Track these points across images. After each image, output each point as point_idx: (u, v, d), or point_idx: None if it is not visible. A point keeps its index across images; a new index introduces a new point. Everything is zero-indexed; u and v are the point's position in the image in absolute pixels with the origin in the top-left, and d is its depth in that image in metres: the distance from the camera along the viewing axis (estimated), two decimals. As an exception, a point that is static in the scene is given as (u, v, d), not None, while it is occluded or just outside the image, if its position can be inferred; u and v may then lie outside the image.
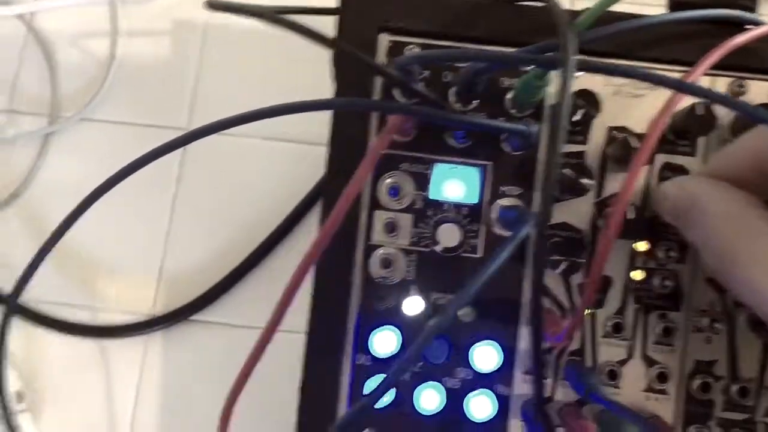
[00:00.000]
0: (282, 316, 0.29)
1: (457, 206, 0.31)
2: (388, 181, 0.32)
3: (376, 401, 0.25)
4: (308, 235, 0.44)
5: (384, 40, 0.32)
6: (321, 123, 0.44)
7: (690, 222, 0.27)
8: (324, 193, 0.31)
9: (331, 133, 0.32)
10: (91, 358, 0.43)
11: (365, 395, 0.26)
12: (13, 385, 0.41)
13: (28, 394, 0.42)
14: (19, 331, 0.43)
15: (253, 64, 0.46)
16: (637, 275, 0.31)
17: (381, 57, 0.32)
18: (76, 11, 0.47)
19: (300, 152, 0.45)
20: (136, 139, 0.46)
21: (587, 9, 0.27)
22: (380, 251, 0.32)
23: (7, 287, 0.42)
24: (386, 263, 0.31)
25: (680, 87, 0.26)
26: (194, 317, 0.43)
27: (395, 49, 0.32)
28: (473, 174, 0.31)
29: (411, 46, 0.31)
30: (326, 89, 0.42)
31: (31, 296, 0.43)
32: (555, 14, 0.25)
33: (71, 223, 0.34)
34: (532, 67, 0.28)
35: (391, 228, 0.31)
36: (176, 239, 0.44)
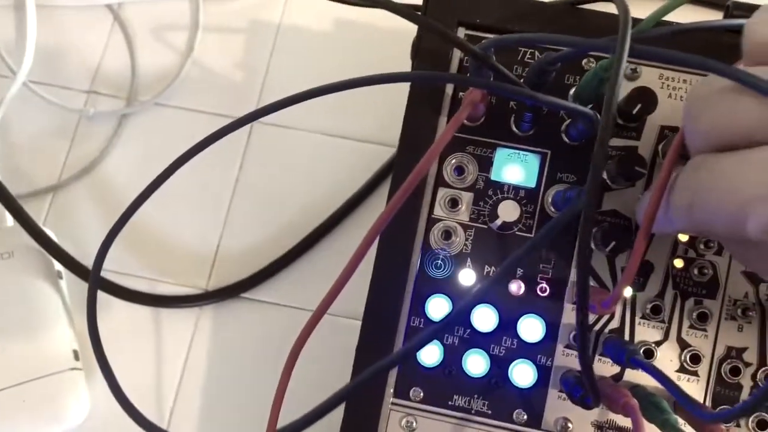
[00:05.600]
0: (348, 279, 0.30)
1: (516, 188, 0.34)
2: (454, 161, 0.34)
3: (418, 349, 0.27)
4: (357, 229, 0.47)
5: (461, 33, 0.35)
6: (380, 125, 0.47)
7: None
8: (396, 166, 0.34)
9: (406, 113, 0.35)
10: (144, 325, 0.46)
11: (407, 342, 0.27)
12: (71, 344, 0.43)
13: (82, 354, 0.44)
14: (78, 294, 0.45)
15: (321, 67, 0.49)
16: (678, 263, 0.33)
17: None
18: (160, 5, 0.51)
19: (357, 149, 0.48)
20: (205, 126, 0.49)
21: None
22: (441, 224, 0.34)
23: (76, 254, 0.45)
24: (446, 235, 0.34)
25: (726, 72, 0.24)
26: (245, 295, 0.46)
27: (471, 41, 0.34)
28: (533, 160, 0.34)
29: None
30: (393, 106, 0.45)
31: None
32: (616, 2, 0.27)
33: (144, 198, 0.36)
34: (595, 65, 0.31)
35: (453, 204, 0.34)
36: (234, 222, 0.47)
